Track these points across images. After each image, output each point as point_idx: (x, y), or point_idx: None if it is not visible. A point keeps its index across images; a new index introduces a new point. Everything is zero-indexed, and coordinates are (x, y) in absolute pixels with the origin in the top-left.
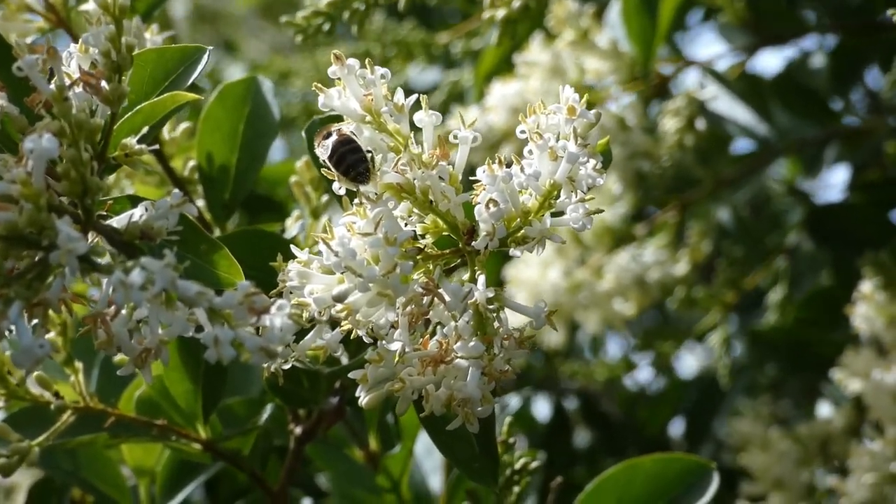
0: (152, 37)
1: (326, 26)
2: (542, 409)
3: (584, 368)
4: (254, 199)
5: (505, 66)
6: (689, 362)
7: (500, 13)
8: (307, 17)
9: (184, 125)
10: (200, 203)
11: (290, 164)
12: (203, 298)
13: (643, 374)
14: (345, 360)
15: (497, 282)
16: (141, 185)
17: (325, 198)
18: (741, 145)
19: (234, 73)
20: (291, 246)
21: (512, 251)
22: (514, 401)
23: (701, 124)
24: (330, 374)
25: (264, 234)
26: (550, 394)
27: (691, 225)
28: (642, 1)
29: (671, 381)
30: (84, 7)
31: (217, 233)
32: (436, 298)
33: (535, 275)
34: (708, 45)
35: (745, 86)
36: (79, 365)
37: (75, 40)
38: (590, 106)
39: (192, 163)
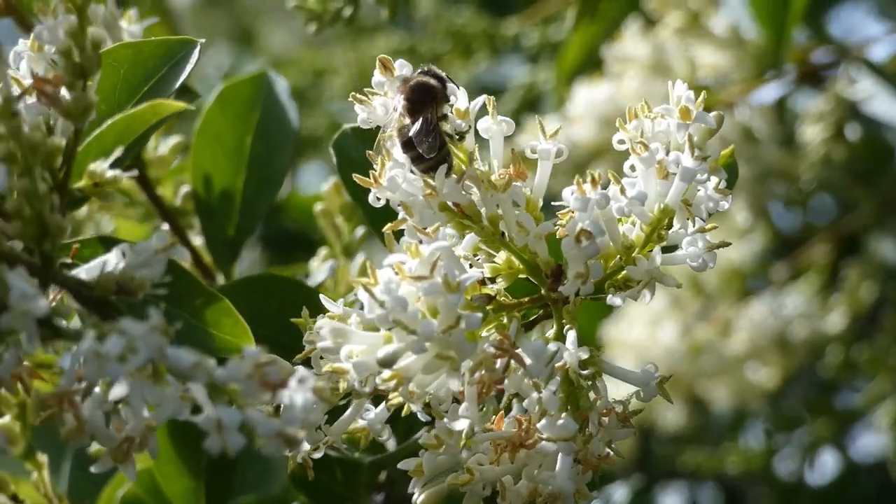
0: (129, 26)
1: (347, 11)
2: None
3: (712, 458)
4: (284, 236)
5: (592, 63)
6: (868, 440)
7: None
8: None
9: (173, 139)
10: (198, 241)
11: None
12: (201, 371)
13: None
14: (392, 446)
15: (594, 342)
16: (121, 218)
17: (360, 231)
18: None
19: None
20: (320, 296)
21: (610, 298)
22: (618, 493)
23: (853, 132)
24: (372, 463)
25: (280, 280)
26: (680, 484)
27: (848, 264)
28: None
29: (845, 465)
30: None
31: (220, 280)
32: (512, 361)
33: (643, 335)
34: (855, 26)
35: None
36: (43, 458)
37: (28, 32)
38: (708, 107)
39: (185, 188)
